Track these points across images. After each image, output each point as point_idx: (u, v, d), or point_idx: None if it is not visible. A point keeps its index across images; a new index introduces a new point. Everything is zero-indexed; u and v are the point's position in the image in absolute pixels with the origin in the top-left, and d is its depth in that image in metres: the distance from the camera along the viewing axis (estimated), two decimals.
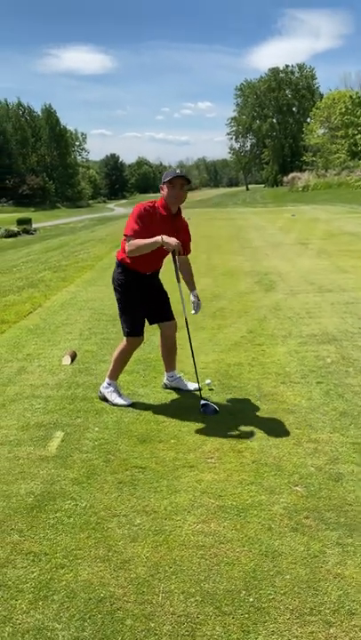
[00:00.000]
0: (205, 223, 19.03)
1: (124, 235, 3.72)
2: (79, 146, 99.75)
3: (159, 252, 3.73)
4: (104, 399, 4.09)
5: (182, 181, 3.73)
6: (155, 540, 2.52)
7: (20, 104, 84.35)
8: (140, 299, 4.00)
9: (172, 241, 3.56)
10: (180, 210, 3.93)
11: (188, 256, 4.24)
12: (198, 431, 3.57)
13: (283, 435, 3.48)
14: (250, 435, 3.50)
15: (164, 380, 4.38)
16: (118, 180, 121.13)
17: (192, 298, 4.19)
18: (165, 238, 3.55)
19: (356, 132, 47.17)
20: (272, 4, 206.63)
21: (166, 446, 3.38)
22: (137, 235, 3.64)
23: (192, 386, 4.30)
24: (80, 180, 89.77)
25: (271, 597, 2.17)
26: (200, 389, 4.15)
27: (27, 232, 35.96)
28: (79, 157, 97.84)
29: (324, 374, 4.44)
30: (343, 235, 13.44)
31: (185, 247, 3.96)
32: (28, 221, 40.36)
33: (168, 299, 4.19)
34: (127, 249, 3.71)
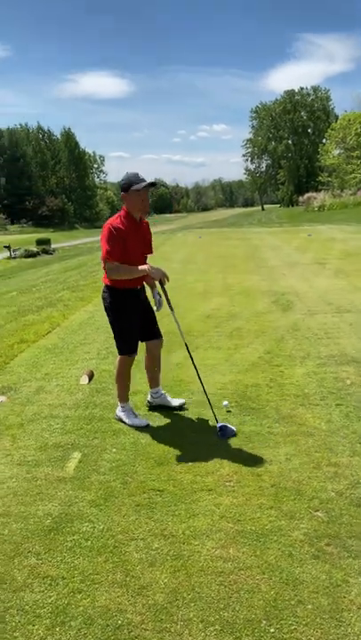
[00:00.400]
0: (221, 243, 19.11)
1: (103, 258, 3.71)
2: (97, 168, 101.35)
3: (138, 259, 3.79)
4: (122, 421, 4.09)
5: (150, 189, 3.75)
6: (173, 565, 2.48)
7: (39, 128, 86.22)
8: (134, 317, 4.02)
9: (158, 272, 3.68)
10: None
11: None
12: (216, 454, 3.53)
13: (302, 458, 3.43)
14: (268, 458, 3.45)
15: (148, 398, 4.38)
16: None
17: (156, 296, 4.13)
18: (151, 269, 3.65)
19: None
20: (287, 28, 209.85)
21: (184, 469, 3.35)
22: (113, 256, 3.66)
23: (176, 402, 4.31)
24: (98, 202, 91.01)
25: (293, 628, 2.11)
26: (184, 404, 4.24)
27: (46, 252, 36.43)
28: (97, 179, 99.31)
29: (343, 396, 4.38)
30: None
31: (148, 246, 4.04)
32: (47, 242, 40.94)
33: (155, 317, 4.19)
34: (108, 272, 3.74)
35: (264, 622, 2.14)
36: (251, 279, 10.24)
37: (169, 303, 4.05)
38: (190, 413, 4.19)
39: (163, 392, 4.37)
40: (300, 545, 2.60)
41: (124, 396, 4.12)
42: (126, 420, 4.05)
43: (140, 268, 3.67)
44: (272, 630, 2.10)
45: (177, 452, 3.56)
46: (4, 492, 3.16)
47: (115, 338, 4.05)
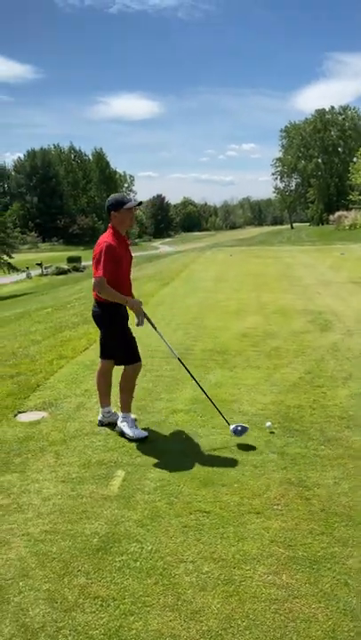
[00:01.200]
0: (252, 261, 19.07)
1: (97, 275, 3.85)
2: (127, 187, 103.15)
3: (127, 276, 4.11)
4: (121, 433, 4.13)
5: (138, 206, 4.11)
6: (225, 591, 2.43)
7: (71, 148, 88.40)
8: (126, 327, 4.17)
9: (136, 304, 3.98)
10: None
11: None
12: (261, 475, 3.47)
13: (351, 482, 3.34)
14: (316, 481, 3.37)
15: (99, 417, 4.39)
16: (164, 219, 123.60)
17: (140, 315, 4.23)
18: (131, 303, 3.98)
19: None
20: (316, 48, 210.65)
21: (230, 490, 3.30)
22: (111, 275, 3.86)
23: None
24: None
25: None
26: (136, 420, 4.29)
27: (76, 269, 37.08)
28: None
29: None
30: None
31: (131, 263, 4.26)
32: (77, 259, 41.69)
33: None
34: (100, 291, 3.89)
35: None
36: (285, 298, 10.16)
37: (151, 322, 4.21)
38: (232, 433, 4.12)
39: (113, 409, 4.41)
40: (356, 574, 2.51)
41: (127, 406, 4.21)
42: (126, 432, 4.10)
43: (125, 299, 3.96)
44: None
45: (222, 473, 3.51)
46: (49, 508, 3.16)
47: (120, 350, 4.18)
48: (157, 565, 2.62)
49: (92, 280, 4.02)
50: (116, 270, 3.95)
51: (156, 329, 4.29)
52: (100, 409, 4.42)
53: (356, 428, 4.13)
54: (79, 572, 2.59)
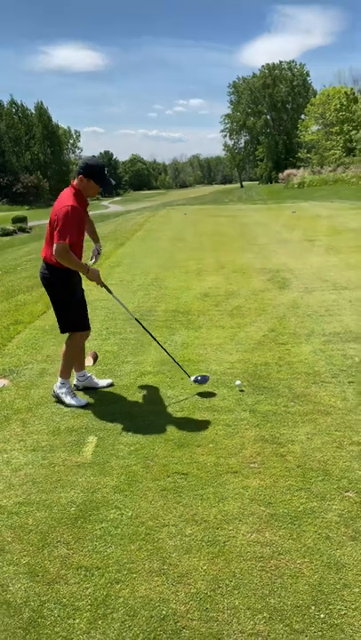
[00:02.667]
0: (207, 220, 18.90)
1: (61, 241, 3.57)
2: (73, 144, 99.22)
3: (81, 244, 3.84)
4: (58, 400, 4.04)
5: None
6: (210, 552, 2.41)
7: (12, 102, 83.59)
8: (81, 294, 4.03)
9: (94, 274, 3.78)
10: None
11: None
12: (235, 434, 3.46)
13: (323, 437, 3.38)
14: (289, 438, 3.39)
15: (74, 382, 4.29)
16: (112, 177, 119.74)
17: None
18: (91, 273, 3.75)
19: (350, 129, 47.13)
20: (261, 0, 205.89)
21: (205, 451, 3.27)
22: (70, 238, 3.60)
23: (104, 382, 4.31)
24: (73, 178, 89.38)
25: (343, 613, 2.07)
26: (112, 384, 4.29)
27: (22, 230, 35.65)
28: (73, 155, 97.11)
29: (354, 373, 4.34)
30: (348, 231, 13.34)
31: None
32: (23, 219, 40.03)
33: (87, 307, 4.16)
34: (58, 257, 3.63)
35: (313, 608, 2.09)
36: (244, 257, 10.13)
37: (108, 288, 4.06)
38: (203, 393, 4.10)
39: (89, 374, 4.31)
40: (336, 527, 2.55)
41: (67, 373, 4.08)
42: (64, 399, 4.01)
43: (84, 267, 3.72)
44: (322, 616, 2.05)
45: (196, 434, 3.48)
46: (21, 479, 3.04)
47: (65, 316, 3.97)
48: (139, 531, 2.57)
49: (44, 243, 3.80)
50: (78, 235, 3.74)
51: (113, 294, 4.12)
52: (75, 373, 4.27)
53: (322, 384, 4.18)
54: (59, 542, 2.51)
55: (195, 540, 2.49)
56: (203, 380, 4.15)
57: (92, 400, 4.08)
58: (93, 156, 3.86)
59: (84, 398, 4.07)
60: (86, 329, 4.09)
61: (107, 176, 3.77)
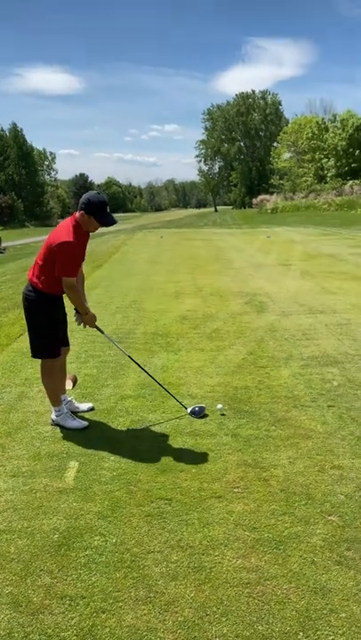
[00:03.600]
0: (183, 243, 19.09)
1: (66, 277, 3.65)
2: (48, 165, 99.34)
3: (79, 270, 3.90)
4: (59, 426, 3.99)
5: None
6: (196, 579, 2.40)
7: None
8: (59, 320, 4.00)
9: (91, 320, 3.92)
10: None
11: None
12: (218, 459, 3.47)
13: (305, 461, 3.41)
14: (272, 462, 3.41)
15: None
16: None
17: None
18: (88, 318, 3.89)
19: (322, 157, 48.54)
20: (235, 31, 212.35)
21: (188, 476, 3.27)
22: (73, 273, 3.69)
23: (85, 406, 4.29)
24: (49, 199, 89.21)
25: (330, 639, 2.07)
26: (92, 408, 4.27)
27: None
28: (48, 176, 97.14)
29: (333, 397, 4.41)
30: (322, 256, 13.65)
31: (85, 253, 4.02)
32: None
33: (67, 325, 4.17)
34: (67, 290, 3.73)
35: (301, 634, 2.09)
36: (220, 280, 10.25)
37: (100, 330, 4.13)
38: (185, 417, 4.10)
39: (70, 398, 4.27)
40: (321, 551, 2.57)
41: (57, 399, 4.03)
42: (64, 424, 3.96)
43: (86, 309, 3.85)
44: None
45: (178, 458, 3.47)
46: (2, 506, 2.98)
47: (38, 341, 3.93)
48: (124, 558, 2.54)
49: (33, 264, 3.80)
50: (76, 269, 3.78)
51: (105, 334, 4.18)
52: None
53: (302, 408, 4.23)
54: (42, 571, 2.46)
55: (181, 567, 2.47)
56: (200, 411, 4.12)
57: None
58: (98, 193, 3.78)
59: (83, 420, 4.02)
60: (57, 355, 3.98)
61: (108, 213, 3.73)
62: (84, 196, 3.69)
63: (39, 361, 4.06)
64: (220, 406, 4.19)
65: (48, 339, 3.91)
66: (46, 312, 3.87)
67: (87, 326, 3.98)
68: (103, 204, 3.67)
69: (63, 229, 3.69)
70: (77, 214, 3.70)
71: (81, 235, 3.73)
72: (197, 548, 2.60)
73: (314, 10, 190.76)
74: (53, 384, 4.02)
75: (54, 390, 4.02)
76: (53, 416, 4.01)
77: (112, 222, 3.74)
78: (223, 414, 4.13)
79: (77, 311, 3.92)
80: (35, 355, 3.98)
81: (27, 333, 6.02)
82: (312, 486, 3.13)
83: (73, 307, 3.91)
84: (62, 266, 3.63)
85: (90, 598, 2.29)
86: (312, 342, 5.97)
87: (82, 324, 4.00)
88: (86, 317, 3.88)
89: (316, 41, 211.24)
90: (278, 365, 5.23)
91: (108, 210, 3.74)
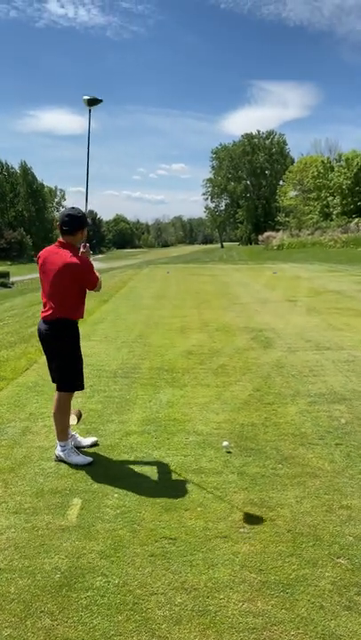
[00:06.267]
0: (189, 279, 19.25)
1: (96, 286, 3.91)
2: (58, 202, 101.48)
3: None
4: (62, 461, 3.94)
5: None
6: (201, 623, 2.32)
7: None
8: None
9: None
10: None
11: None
12: (223, 497, 3.40)
13: (313, 501, 3.34)
14: (279, 501, 3.35)
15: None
16: (96, 235, 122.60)
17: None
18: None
19: (327, 195, 49.30)
20: (240, 75, 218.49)
21: (193, 515, 3.20)
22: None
23: (88, 441, 4.25)
24: (58, 235, 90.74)
25: None
26: (96, 442, 4.23)
27: (4, 285, 35.69)
28: (57, 213, 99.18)
29: (341, 435, 4.35)
30: (328, 293, 13.70)
31: None
32: (5, 275, 40.17)
33: None
34: (99, 289, 3.97)
35: None
36: (226, 315, 10.28)
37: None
38: (190, 454, 4.05)
39: (73, 432, 4.24)
40: (330, 595, 2.49)
41: (66, 434, 4.00)
42: (69, 460, 3.91)
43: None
44: None
45: (183, 497, 3.41)
46: (3, 543, 2.92)
47: (71, 374, 3.99)
48: (127, 600, 2.47)
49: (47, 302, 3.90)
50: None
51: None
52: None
53: (309, 446, 4.17)
54: (42, 612, 2.39)
55: (185, 610, 2.40)
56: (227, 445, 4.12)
57: None
58: (73, 208, 3.97)
59: (88, 456, 3.97)
60: (78, 389, 4.10)
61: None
62: (70, 218, 3.84)
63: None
64: (225, 444, 4.13)
65: (78, 371, 4.00)
66: (77, 340, 3.98)
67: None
68: (81, 212, 3.91)
69: (64, 254, 3.83)
70: (69, 237, 3.87)
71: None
72: (202, 590, 2.53)
73: (317, 55, 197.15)
74: (65, 417, 4.02)
75: (65, 425, 4.00)
76: (58, 451, 3.97)
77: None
78: (229, 452, 4.08)
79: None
80: (65, 388, 3.99)
81: (32, 367, 6.03)
82: (320, 527, 3.06)
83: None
84: (90, 277, 3.85)
85: None
86: (319, 379, 5.93)
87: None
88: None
89: (321, 84, 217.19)
90: (285, 402, 5.19)
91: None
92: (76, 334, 3.99)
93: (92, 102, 4.25)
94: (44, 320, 3.92)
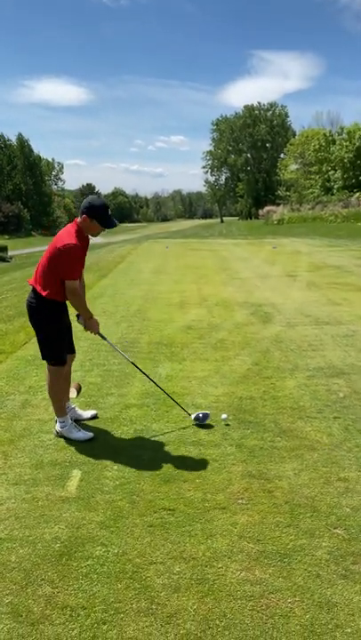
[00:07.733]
0: (189, 253, 19.13)
1: (70, 280, 3.67)
2: (55, 175, 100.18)
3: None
4: (63, 437, 3.94)
5: None
6: (199, 591, 2.36)
7: None
8: (61, 326, 3.97)
9: (94, 325, 3.90)
10: None
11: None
12: (222, 469, 3.43)
13: (310, 473, 3.37)
14: (277, 473, 3.37)
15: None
16: None
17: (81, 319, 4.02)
18: (91, 322, 3.89)
19: (329, 169, 48.66)
20: (240, 45, 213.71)
21: (192, 486, 3.23)
22: (76, 276, 3.71)
23: (88, 414, 4.26)
24: (55, 209, 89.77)
25: None
26: (96, 415, 4.26)
27: (2, 259, 35.46)
28: (55, 186, 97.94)
29: (339, 409, 4.37)
30: (328, 267, 13.63)
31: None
32: (3, 249, 39.86)
33: (72, 332, 4.15)
34: (69, 295, 3.73)
35: None
36: (225, 290, 10.24)
37: (103, 336, 4.05)
38: (189, 426, 4.07)
39: (73, 405, 4.25)
40: (326, 564, 2.53)
41: (62, 410, 3.97)
42: (69, 435, 3.91)
43: (89, 313, 3.87)
44: None
45: (182, 469, 3.44)
46: (3, 514, 2.96)
47: (47, 349, 3.90)
48: (126, 569, 2.51)
49: (35, 271, 3.81)
50: (79, 272, 3.81)
51: (107, 340, 4.10)
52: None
53: (307, 419, 4.19)
54: (43, 580, 2.43)
55: (183, 579, 2.44)
56: (204, 417, 4.10)
57: None
58: (98, 196, 3.81)
59: (88, 432, 3.97)
60: (63, 363, 3.95)
61: (110, 216, 3.75)
62: (86, 200, 3.73)
63: (44, 368, 4.05)
64: (224, 416, 4.16)
65: (56, 346, 3.90)
66: (50, 319, 3.85)
67: (91, 332, 3.96)
68: (105, 207, 3.72)
69: (65, 234, 3.71)
70: (79, 219, 3.73)
71: (83, 239, 3.75)
72: (200, 559, 2.57)
73: (319, 25, 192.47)
74: (60, 393, 3.99)
75: (60, 401, 3.99)
76: (58, 427, 3.98)
77: (114, 224, 3.77)
78: (228, 424, 4.10)
79: (79, 316, 3.92)
80: (44, 357, 3.95)
81: (32, 341, 6.03)
82: (317, 498, 3.09)
83: (75, 312, 3.91)
84: (65, 268, 3.65)
85: (91, 609, 2.26)
86: (318, 353, 5.94)
87: (84, 327, 3.97)
88: (89, 322, 3.88)
89: (323, 54, 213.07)
90: (284, 376, 5.20)
91: (110, 212, 3.76)
92: (47, 312, 3.82)
93: None
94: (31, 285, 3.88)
